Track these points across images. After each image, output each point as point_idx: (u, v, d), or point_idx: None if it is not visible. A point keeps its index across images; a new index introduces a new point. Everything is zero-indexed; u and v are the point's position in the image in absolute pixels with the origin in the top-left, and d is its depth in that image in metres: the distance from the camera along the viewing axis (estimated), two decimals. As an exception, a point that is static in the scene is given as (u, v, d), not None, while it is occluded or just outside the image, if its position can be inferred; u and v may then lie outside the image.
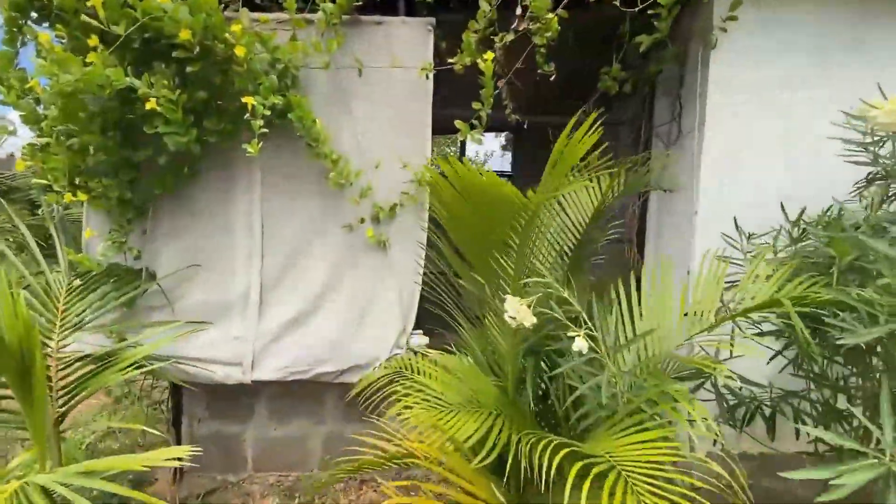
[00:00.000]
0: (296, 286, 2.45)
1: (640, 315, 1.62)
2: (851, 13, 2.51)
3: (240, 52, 1.93)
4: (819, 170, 2.49)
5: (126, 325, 2.36)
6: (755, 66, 2.53)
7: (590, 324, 1.30)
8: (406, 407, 1.56)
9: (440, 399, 1.54)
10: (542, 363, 1.63)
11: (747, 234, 2.42)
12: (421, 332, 2.56)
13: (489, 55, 2.00)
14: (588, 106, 2.67)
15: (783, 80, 2.53)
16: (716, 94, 2.54)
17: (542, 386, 1.67)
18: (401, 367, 2.22)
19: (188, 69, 2.00)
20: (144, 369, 2.04)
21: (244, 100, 1.94)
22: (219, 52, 1.98)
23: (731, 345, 1.48)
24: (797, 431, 1.60)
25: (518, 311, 1.28)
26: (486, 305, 1.70)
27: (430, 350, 2.55)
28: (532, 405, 1.54)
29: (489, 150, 12.72)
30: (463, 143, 6.95)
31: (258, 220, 2.42)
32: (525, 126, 2.49)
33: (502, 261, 1.43)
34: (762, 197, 2.44)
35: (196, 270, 2.44)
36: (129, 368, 2.05)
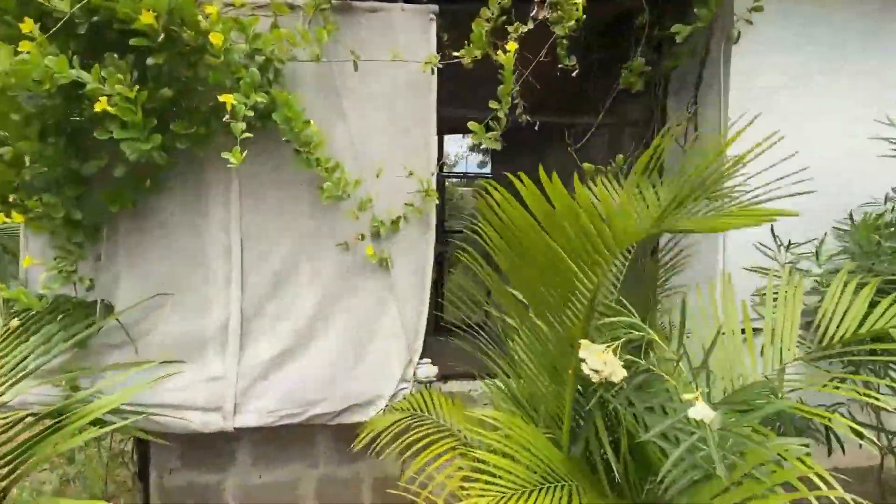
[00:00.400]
0: (283, 315, 2.11)
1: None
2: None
3: (216, 40, 1.59)
4: (851, 169, 2.36)
5: (80, 372, 1.96)
6: (778, 60, 2.37)
7: (688, 373, 1.05)
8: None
9: (486, 466, 1.26)
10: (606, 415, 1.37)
11: (786, 244, 2.26)
12: (429, 360, 2.26)
13: (511, 46, 1.73)
14: (603, 105, 2.44)
15: (808, 75, 2.38)
16: (738, 91, 2.36)
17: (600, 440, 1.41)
18: (415, 408, 1.93)
19: (149, 61, 1.65)
20: (107, 428, 1.66)
21: (221, 98, 1.60)
22: (188, 40, 1.63)
23: (837, 386, 1.26)
24: None
25: (603, 362, 1.01)
26: (545, 352, 1.43)
27: (437, 379, 2.27)
28: (600, 467, 1.28)
29: (459, 152, 12.46)
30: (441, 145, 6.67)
31: (237, 239, 2.06)
32: (536, 127, 2.23)
33: (574, 300, 1.16)
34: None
35: (163, 300, 2.06)
36: (88, 427, 1.67)
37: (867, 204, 2.34)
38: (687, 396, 0.96)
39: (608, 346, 1.04)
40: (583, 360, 1.05)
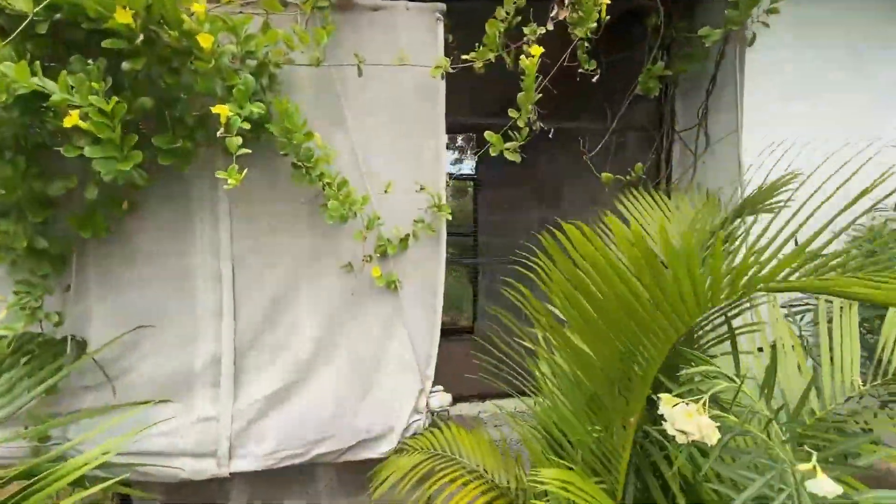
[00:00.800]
0: (282, 347, 1.91)
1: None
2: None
3: (205, 42, 1.38)
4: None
5: (50, 424, 1.71)
6: (794, 64, 2.30)
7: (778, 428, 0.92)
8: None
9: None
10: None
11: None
12: (441, 388, 2.09)
13: (536, 50, 1.58)
14: (614, 108, 2.32)
15: (824, 78, 2.32)
16: (752, 95, 2.28)
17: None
18: (436, 447, 1.76)
19: (125, 66, 1.42)
20: (86, 492, 1.43)
21: (215, 110, 1.39)
22: (170, 41, 1.41)
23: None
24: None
25: (693, 423, 0.87)
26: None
27: (451, 407, 2.11)
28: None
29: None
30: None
31: (228, 264, 1.84)
32: (551, 135, 2.09)
33: (647, 347, 1.01)
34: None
35: (144, 335, 1.83)
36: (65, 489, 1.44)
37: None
38: (802, 467, 0.82)
39: (693, 403, 0.90)
40: (662, 419, 0.90)
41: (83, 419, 1.76)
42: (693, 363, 1.04)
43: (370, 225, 1.82)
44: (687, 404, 0.93)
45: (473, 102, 3.81)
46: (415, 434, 2.00)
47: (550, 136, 2.08)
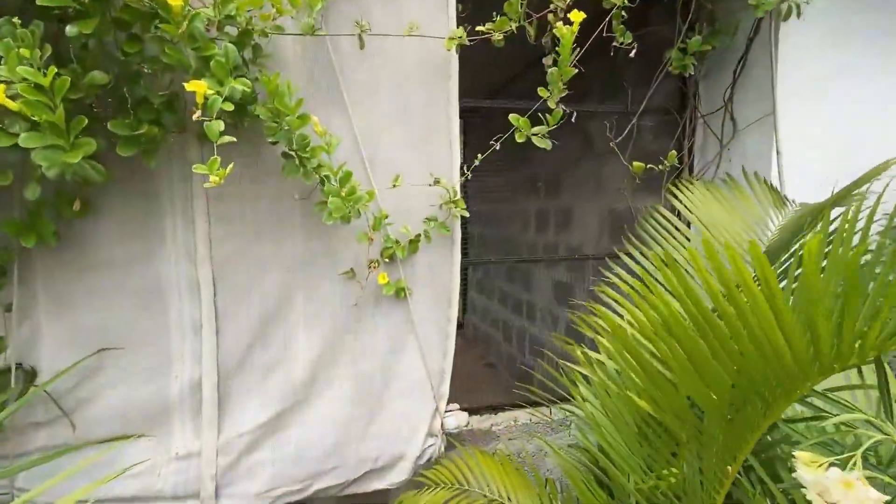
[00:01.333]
0: (274, 367, 1.64)
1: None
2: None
3: (174, 1, 1.08)
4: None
5: (-11, 474, 1.41)
6: (829, 42, 2.11)
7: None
8: None
9: None
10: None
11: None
12: (456, 406, 1.86)
13: (576, 15, 1.32)
14: (639, 89, 2.09)
15: (862, 59, 2.14)
16: (785, 76, 2.08)
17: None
18: (459, 479, 1.53)
19: (70, 30, 1.12)
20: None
21: (190, 87, 1.10)
22: (130, 0, 1.11)
23: None
24: None
25: (854, 496, 0.66)
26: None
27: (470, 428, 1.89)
28: None
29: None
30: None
31: (207, 271, 1.56)
32: (573, 118, 1.85)
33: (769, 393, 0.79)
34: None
35: (107, 358, 1.53)
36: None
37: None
38: None
39: (845, 462, 0.68)
40: (800, 484, 0.69)
41: (37, 465, 1.46)
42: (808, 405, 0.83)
43: (376, 225, 1.55)
44: (828, 466, 0.71)
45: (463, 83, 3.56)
46: (429, 460, 1.77)
47: (573, 119, 1.84)
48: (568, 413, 1.93)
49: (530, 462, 1.67)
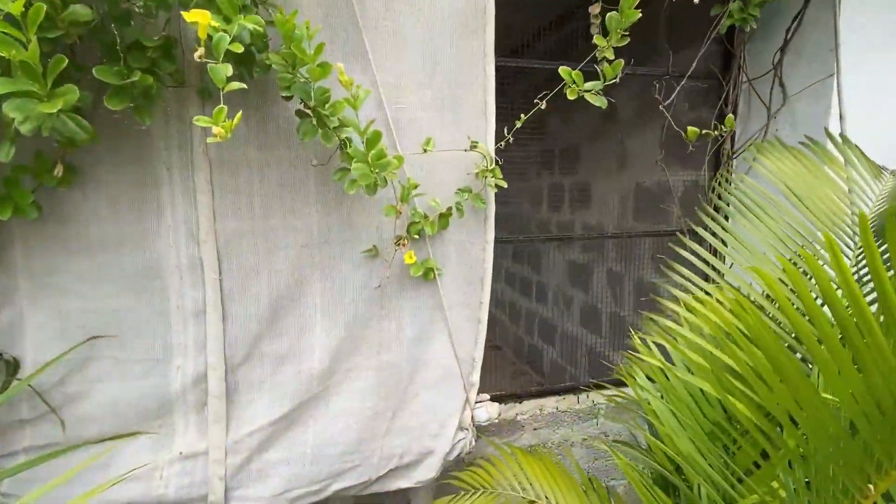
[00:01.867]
0: (287, 357, 1.46)
1: None
2: None
3: None
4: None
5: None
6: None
7: None
8: None
9: None
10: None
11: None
12: (488, 397, 1.70)
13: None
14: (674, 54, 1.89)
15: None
16: (851, 36, 1.89)
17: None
18: (501, 483, 1.37)
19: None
20: None
21: (190, 17, 0.89)
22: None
23: None
24: None
25: None
26: None
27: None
28: None
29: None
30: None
31: (211, 251, 1.37)
32: (618, 80, 1.66)
33: None
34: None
35: (99, 348, 1.35)
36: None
37: None
38: None
39: None
40: None
41: (24, 469, 1.28)
42: None
43: (404, 196, 1.36)
44: None
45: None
46: (458, 456, 1.62)
47: (617, 80, 1.64)
48: (613, 402, 1.77)
49: (572, 459, 1.51)
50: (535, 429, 2.15)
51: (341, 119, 1.20)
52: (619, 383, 2.30)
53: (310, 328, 1.47)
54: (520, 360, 4.31)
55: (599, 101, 1.30)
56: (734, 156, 2.18)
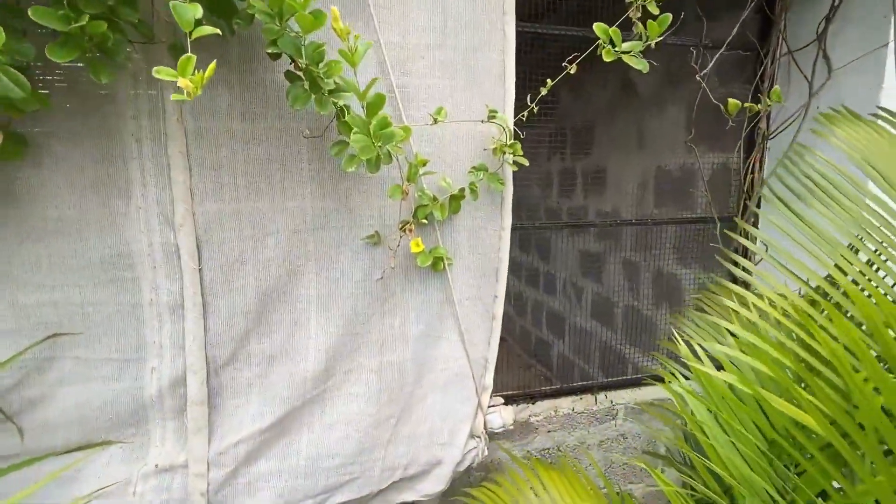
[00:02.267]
0: (278, 357, 1.29)
1: None
2: None
3: None
4: None
5: None
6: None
7: None
8: None
9: None
10: None
11: None
12: (501, 400, 1.53)
13: None
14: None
15: None
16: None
17: None
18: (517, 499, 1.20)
19: None
20: None
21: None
22: None
23: None
24: None
25: None
26: None
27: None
28: None
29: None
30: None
31: (189, 237, 1.18)
32: (653, 45, 1.46)
33: None
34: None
35: (61, 348, 1.18)
36: None
37: None
38: None
39: None
40: None
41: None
42: None
43: (412, 175, 1.18)
44: None
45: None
46: (469, 466, 1.45)
47: (653, 45, 1.44)
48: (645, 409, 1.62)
49: (597, 469, 1.35)
50: (549, 431, 1.99)
51: (338, 82, 1.01)
52: (636, 382, 2.15)
53: (303, 325, 1.29)
54: (528, 355, 4.15)
55: (641, 64, 1.11)
56: (770, 136, 1.99)
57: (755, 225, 2.10)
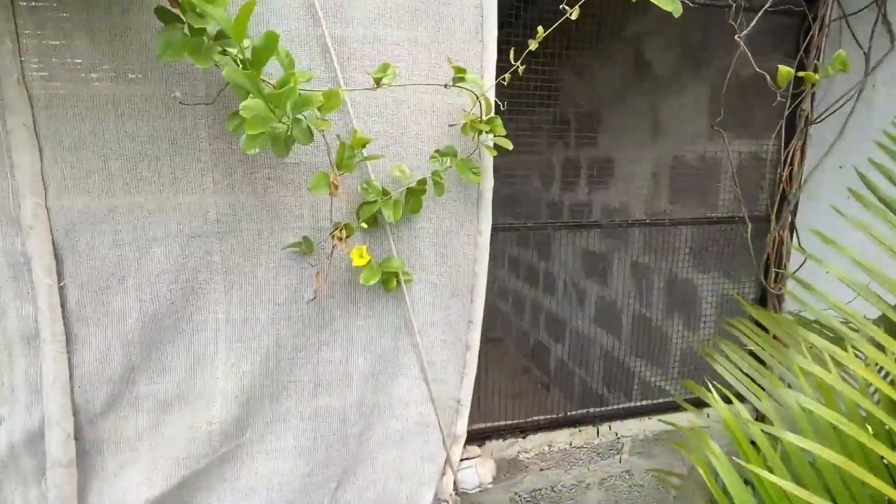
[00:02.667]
0: (174, 404, 0.96)
1: None
2: None
3: None
4: None
5: None
6: None
7: None
8: None
9: None
10: None
11: None
12: (478, 452, 1.21)
13: None
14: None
15: None
16: None
17: None
18: None
19: None
20: None
21: None
22: None
23: None
24: None
25: None
26: None
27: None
28: None
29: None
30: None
31: (43, 243, 0.86)
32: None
33: None
34: None
35: None
36: None
37: None
38: None
39: None
40: None
41: None
42: None
43: (343, 160, 0.84)
44: None
45: None
46: (434, 540, 1.13)
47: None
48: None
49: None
50: (541, 469, 1.67)
51: (215, 14, 0.67)
52: (639, 411, 1.82)
53: (208, 360, 0.96)
54: (516, 380, 3.81)
55: (672, 5, 0.76)
56: (816, 120, 1.64)
57: (791, 227, 1.76)
